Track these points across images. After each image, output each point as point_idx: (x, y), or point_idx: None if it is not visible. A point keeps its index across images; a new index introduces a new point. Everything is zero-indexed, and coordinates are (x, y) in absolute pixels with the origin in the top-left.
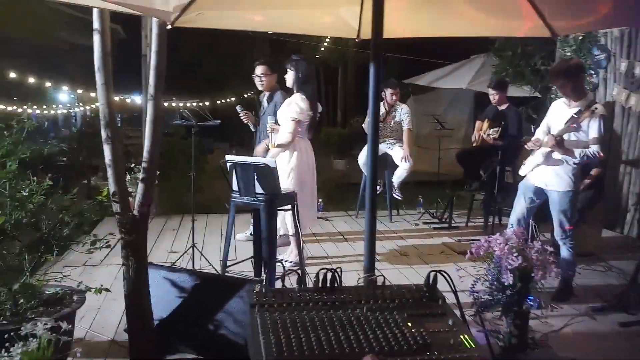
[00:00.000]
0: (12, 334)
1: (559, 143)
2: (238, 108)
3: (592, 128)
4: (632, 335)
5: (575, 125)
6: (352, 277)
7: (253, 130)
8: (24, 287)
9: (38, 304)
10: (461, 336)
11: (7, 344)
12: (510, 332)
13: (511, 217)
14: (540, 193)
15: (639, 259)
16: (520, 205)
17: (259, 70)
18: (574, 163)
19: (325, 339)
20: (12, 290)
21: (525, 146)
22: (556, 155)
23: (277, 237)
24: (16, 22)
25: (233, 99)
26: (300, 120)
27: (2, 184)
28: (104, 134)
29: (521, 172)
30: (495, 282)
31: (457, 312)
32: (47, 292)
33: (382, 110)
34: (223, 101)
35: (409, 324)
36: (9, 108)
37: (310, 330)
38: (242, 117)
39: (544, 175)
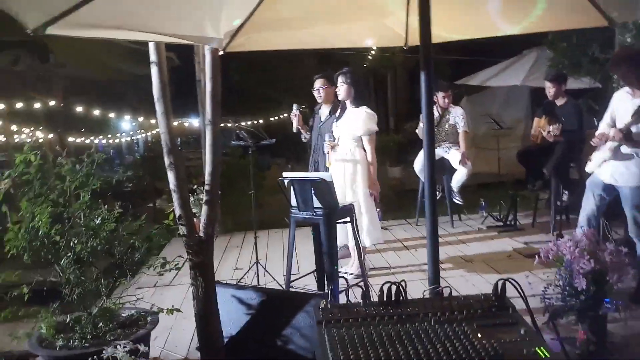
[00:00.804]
0: (95, 357)
1: (627, 136)
2: (294, 106)
3: None
4: None
5: None
6: (417, 287)
7: (304, 140)
8: (102, 311)
9: (115, 327)
10: (535, 346)
11: None
12: (588, 338)
13: (580, 217)
14: (610, 189)
15: None
16: (589, 204)
17: (319, 83)
18: None
19: (394, 353)
20: (92, 314)
21: (591, 142)
22: (625, 149)
23: (338, 249)
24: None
25: (286, 114)
26: (377, 130)
27: (77, 214)
28: (167, 160)
29: (588, 169)
30: (567, 287)
31: (529, 320)
32: (123, 314)
33: (436, 114)
34: (276, 118)
35: (479, 335)
36: (78, 140)
37: (378, 345)
38: (292, 117)
39: (613, 170)
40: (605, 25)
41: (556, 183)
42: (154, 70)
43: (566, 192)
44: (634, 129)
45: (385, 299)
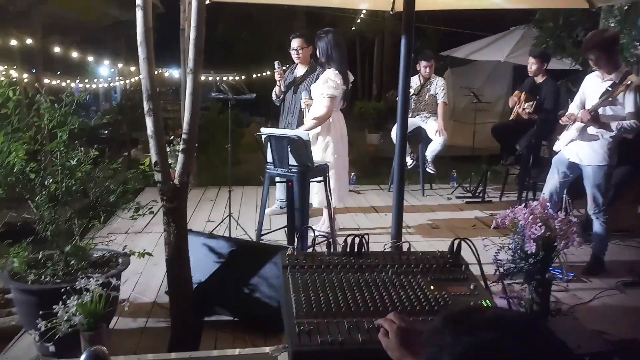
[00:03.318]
0: (67, 288)
1: (594, 118)
2: (276, 64)
3: (627, 101)
4: None
5: (610, 99)
6: (381, 246)
7: (275, 97)
8: (75, 249)
9: (87, 265)
10: (482, 299)
11: (64, 297)
12: (532, 299)
13: (544, 191)
14: (574, 168)
15: None
16: (553, 180)
17: (295, 43)
18: (610, 137)
19: (352, 297)
20: (65, 252)
21: (560, 121)
22: (591, 130)
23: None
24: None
25: (269, 72)
26: (336, 96)
27: (54, 153)
28: (146, 106)
29: (555, 148)
30: (518, 251)
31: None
32: (95, 255)
33: (417, 83)
34: (259, 75)
35: (432, 287)
36: (54, 82)
37: (338, 290)
38: (275, 73)
39: (579, 150)
40: (586, 8)
41: (526, 160)
42: (139, 14)
43: (534, 169)
44: (601, 110)
45: (348, 249)
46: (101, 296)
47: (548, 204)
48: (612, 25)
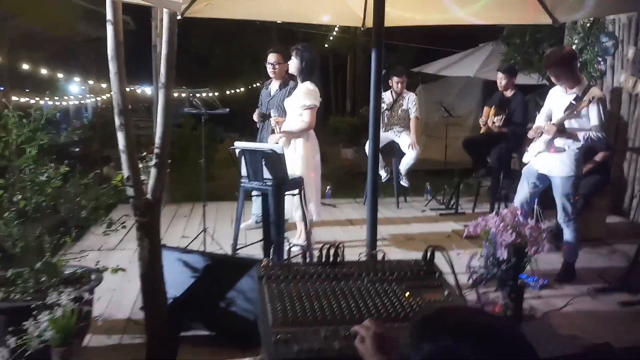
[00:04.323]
0: (39, 304)
1: (560, 130)
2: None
3: (592, 114)
4: (633, 314)
5: (575, 112)
6: (357, 257)
7: (256, 120)
8: (46, 266)
9: (59, 282)
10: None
11: (34, 314)
12: (506, 304)
13: (515, 201)
14: (543, 179)
15: None
16: (523, 191)
17: (273, 57)
18: (577, 148)
19: (328, 306)
20: (35, 269)
21: (527, 135)
22: (558, 142)
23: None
24: (31, 11)
25: (242, 89)
26: (317, 106)
27: (22, 169)
28: (117, 121)
29: (524, 159)
30: (491, 258)
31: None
32: (66, 271)
33: (390, 98)
34: (233, 91)
35: (407, 294)
36: (22, 99)
37: (314, 299)
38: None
39: (547, 161)
40: (549, 24)
41: (497, 172)
42: (109, 29)
43: (506, 181)
44: (567, 124)
45: (323, 259)
46: (73, 311)
47: (518, 212)
48: (576, 41)
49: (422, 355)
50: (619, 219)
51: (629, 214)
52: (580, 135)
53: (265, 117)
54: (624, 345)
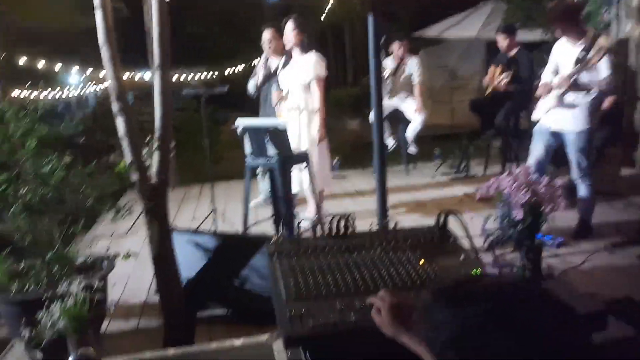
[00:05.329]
0: (50, 294)
1: (573, 83)
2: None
3: (601, 65)
4: None
5: (587, 66)
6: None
7: (253, 89)
8: (57, 257)
9: (71, 272)
10: (472, 269)
11: (46, 305)
12: (524, 265)
13: (529, 161)
14: (556, 136)
15: None
16: (537, 149)
17: (267, 34)
18: (589, 101)
19: (341, 279)
20: (46, 260)
21: (536, 93)
22: (569, 96)
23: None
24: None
25: (242, 67)
26: (325, 76)
27: (23, 162)
28: (115, 107)
29: (534, 117)
30: (506, 219)
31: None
32: (78, 260)
33: (392, 65)
34: (232, 70)
35: (422, 261)
36: (23, 94)
37: (327, 273)
38: (260, 63)
39: (559, 117)
40: None
41: (506, 132)
42: (98, 15)
43: (515, 140)
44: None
45: (334, 232)
46: (85, 299)
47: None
48: None
49: (462, 319)
50: (631, 170)
51: None
52: (593, 86)
53: (262, 86)
54: None
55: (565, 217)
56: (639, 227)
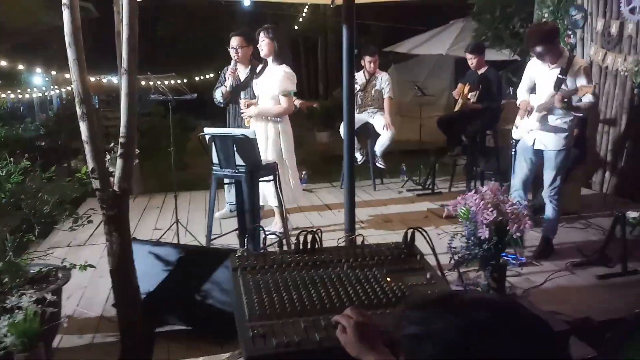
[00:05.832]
0: None
1: (569, 105)
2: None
3: (582, 83)
4: (610, 286)
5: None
6: (336, 243)
7: (220, 99)
8: (8, 266)
9: (23, 282)
10: (439, 288)
11: None
12: (489, 284)
13: (515, 182)
14: (538, 154)
15: (616, 214)
16: (521, 169)
17: (235, 41)
18: (570, 120)
19: (307, 296)
20: None
21: (518, 115)
22: (551, 118)
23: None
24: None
25: (212, 75)
26: (295, 91)
27: None
28: (79, 110)
29: (515, 136)
30: (472, 237)
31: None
32: (31, 271)
33: (363, 79)
34: (202, 77)
35: (388, 279)
36: None
37: (292, 289)
38: (228, 71)
39: (542, 137)
40: None
41: (473, 150)
42: (65, 14)
43: (481, 158)
44: (551, 93)
45: (300, 247)
46: (36, 313)
47: (515, 192)
48: (546, 15)
49: (455, 330)
50: (590, 191)
51: (602, 187)
52: (584, 103)
53: (230, 95)
54: (603, 318)
55: (526, 237)
56: (599, 247)
